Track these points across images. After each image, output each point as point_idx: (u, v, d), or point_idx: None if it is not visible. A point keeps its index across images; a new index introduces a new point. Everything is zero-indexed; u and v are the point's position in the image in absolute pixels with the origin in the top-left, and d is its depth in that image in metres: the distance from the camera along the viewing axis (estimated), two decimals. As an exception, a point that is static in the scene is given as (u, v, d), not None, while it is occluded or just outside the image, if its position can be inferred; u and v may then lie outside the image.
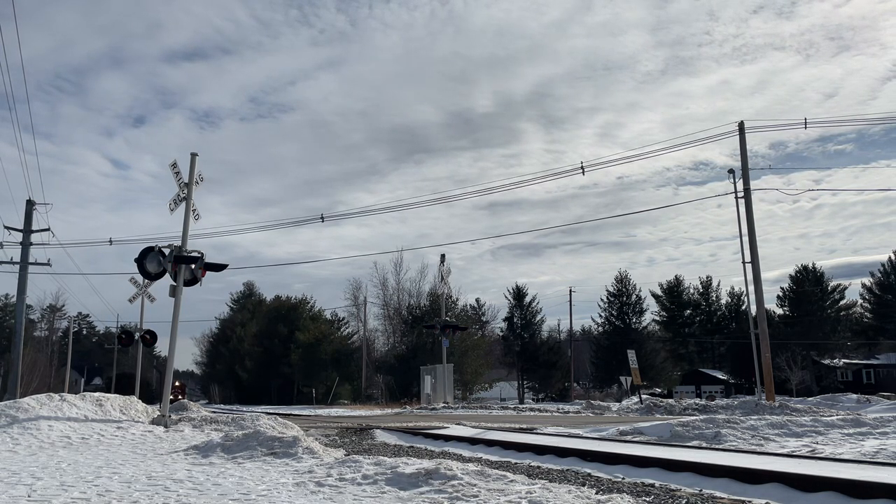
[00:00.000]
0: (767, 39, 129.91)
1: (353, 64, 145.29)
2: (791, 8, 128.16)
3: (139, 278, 25.65)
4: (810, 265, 65.34)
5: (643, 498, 5.60)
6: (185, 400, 26.21)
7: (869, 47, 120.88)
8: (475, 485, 5.86)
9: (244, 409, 42.50)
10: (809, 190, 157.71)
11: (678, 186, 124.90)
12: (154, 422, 13.20)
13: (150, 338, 29.41)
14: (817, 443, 10.32)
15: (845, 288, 66.03)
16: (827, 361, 59.20)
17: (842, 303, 65.68)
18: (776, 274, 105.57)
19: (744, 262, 26.90)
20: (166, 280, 14.53)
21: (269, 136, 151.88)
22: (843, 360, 60.24)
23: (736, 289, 71.28)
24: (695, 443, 10.71)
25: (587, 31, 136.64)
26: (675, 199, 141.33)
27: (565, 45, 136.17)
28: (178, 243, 14.35)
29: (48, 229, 30.16)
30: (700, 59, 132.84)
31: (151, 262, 14.28)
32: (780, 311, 64.60)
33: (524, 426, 14.86)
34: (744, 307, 61.80)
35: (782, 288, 66.58)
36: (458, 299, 61.14)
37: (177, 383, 61.84)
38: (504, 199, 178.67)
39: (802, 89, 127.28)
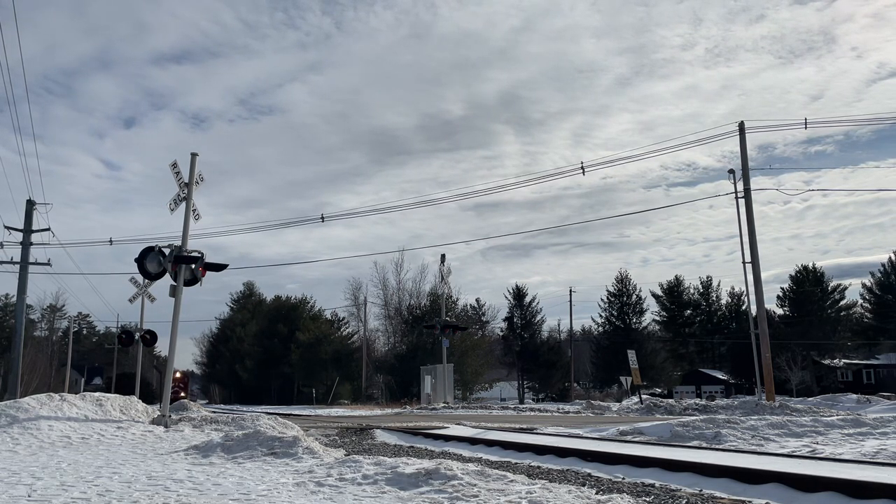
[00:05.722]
0: (746, 43, 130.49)
1: (338, 66, 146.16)
2: (770, 12, 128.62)
3: (139, 278, 25.64)
4: (810, 265, 65.38)
5: (643, 498, 5.60)
6: (186, 400, 26.19)
7: (851, 50, 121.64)
8: (475, 485, 5.87)
9: (244, 409, 42.51)
10: (808, 190, 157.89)
11: (669, 188, 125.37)
12: (154, 422, 13.20)
13: (150, 338, 29.41)
14: (817, 443, 10.32)
15: (845, 288, 66.03)
16: (827, 361, 59.16)
17: (842, 303, 65.64)
18: (768, 274, 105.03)
19: (744, 263, 26.91)
20: (166, 280, 14.53)
21: (256, 138, 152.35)
22: (844, 361, 60.20)
23: (736, 289, 71.34)
24: (695, 443, 10.71)
25: (557, 36, 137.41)
26: (666, 199, 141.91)
27: (535, 49, 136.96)
28: (175, 243, 14.35)
29: (48, 229, 30.18)
30: (674, 62, 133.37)
31: (152, 262, 14.28)
32: (780, 312, 64.60)
33: (524, 426, 14.85)
34: (744, 307, 61.78)
35: (782, 288, 66.62)
36: (458, 299, 61.31)
37: (177, 374, 57.05)
38: (488, 200, 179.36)
39: (787, 91, 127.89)
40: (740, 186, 26.70)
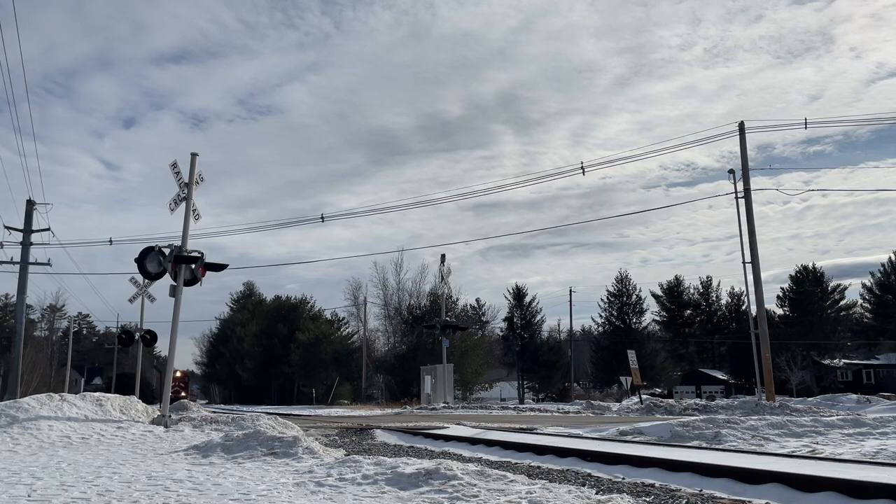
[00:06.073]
0: (744, 43, 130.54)
1: (337, 66, 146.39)
2: (769, 13, 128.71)
3: (139, 278, 25.67)
4: (810, 265, 65.40)
5: (643, 498, 5.59)
6: (186, 400, 26.16)
7: (850, 50, 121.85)
8: (475, 485, 5.87)
9: (244, 409, 42.50)
10: (808, 190, 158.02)
11: (668, 188, 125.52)
12: (154, 422, 13.20)
13: (150, 338, 29.44)
14: (817, 443, 10.32)
15: (845, 288, 66.03)
16: (827, 361, 59.16)
17: (842, 303, 65.65)
18: (768, 274, 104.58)
19: (744, 263, 26.91)
20: (166, 280, 14.54)
21: (255, 138, 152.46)
22: (844, 361, 60.19)
23: (736, 289, 71.33)
24: (695, 443, 10.70)
25: (555, 36, 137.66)
26: (665, 200, 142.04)
27: (534, 50, 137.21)
28: (175, 243, 14.35)
29: (48, 229, 30.16)
30: (673, 63, 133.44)
31: (151, 262, 14.28)
32: (780, 311, 64.59)
33: (524, 426, 14.86)
34: (744, 307, 61.79)
35: (782, 288, 66.61)
36: (458, 299, 61.24)
37: (178, 373, 56.51)
38: (487, 200, 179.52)
39: (786, 91, 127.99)
40: (740, 186, 26.71)
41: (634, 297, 69.67)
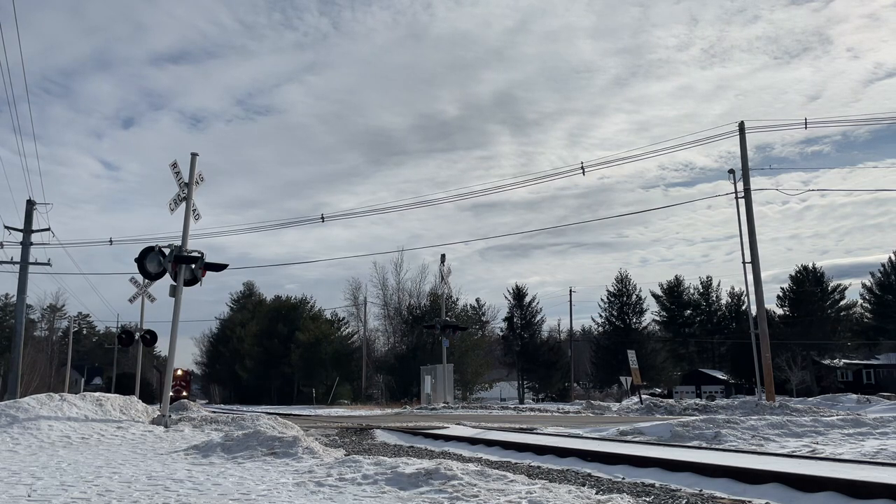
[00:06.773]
0: (741, 43, 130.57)
1: (335, 67, 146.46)
2: (766, 13, 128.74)
3: (139, 278, 25.67)
4: (810, 265, 65.38)
5: (643, 498, 5.59)
6: (186, 400, 26.16)
7: (847, 51, 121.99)
8: (475, 485, 5.87)
9: (244, 409, 42.47)
10: (807, 190, 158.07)
11: (666, 188, 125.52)
12: (154, 422, 13.20)
13: (150, 338, 29.43)
14: (817, 443, 10.32)
15: (845, 288, 65.98)
16: (827, 361, 59.13)
17: (842, 303, 65.64)
18: (767, 274, 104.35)
19: (744, 263, 26.92)
20: (166, 280, 14.53)
21: (253, 138, 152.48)
22: (844, 361, 60.15)
23: (736, 289, 71.33)
24: (695, 443, 10.70)
25: (552, 36, 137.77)
26: (664, 200, 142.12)
27: (531, 50, 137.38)
28: (175, 243, 14.34)
29: (48, 229, 30.18)
30: (670, 63, 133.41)
31: (152, 262, 14.28)
32: (780, 311, 64.55)
33: (524, 426, 14.85)
34: (744, 307, 61.79)
35: (782, 288, 66.56)
36: (458, 299, 61.23)
37: (178, 372, 55.78)
38: (485, 200, 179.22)
39: (784, 91, 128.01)
40: (740, 186, 26.72)
41: (634, 297, 69.70)
